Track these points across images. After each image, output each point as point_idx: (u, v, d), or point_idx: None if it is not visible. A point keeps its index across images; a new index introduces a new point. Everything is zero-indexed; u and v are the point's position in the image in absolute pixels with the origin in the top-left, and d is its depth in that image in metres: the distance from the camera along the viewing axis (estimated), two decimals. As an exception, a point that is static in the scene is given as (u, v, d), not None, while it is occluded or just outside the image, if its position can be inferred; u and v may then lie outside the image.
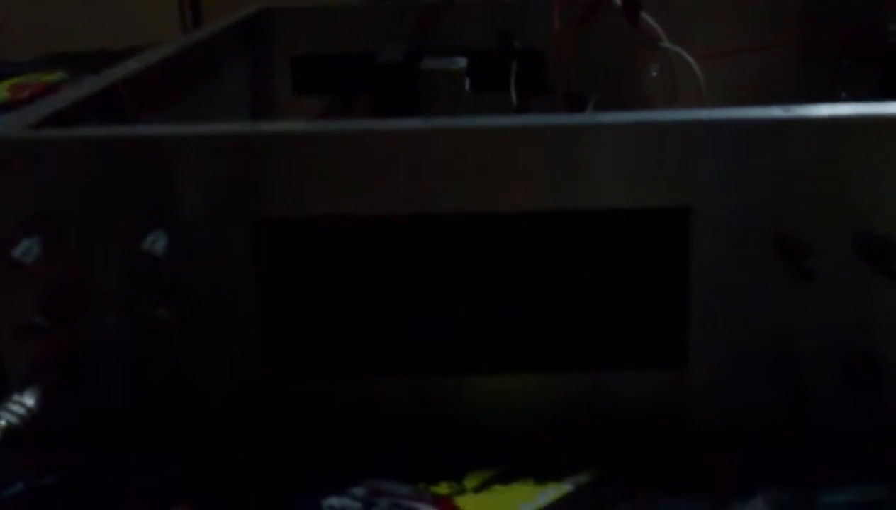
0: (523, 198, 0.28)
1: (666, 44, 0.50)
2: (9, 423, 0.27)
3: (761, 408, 0.30)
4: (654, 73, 0.51)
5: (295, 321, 0.30)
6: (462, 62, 0.50)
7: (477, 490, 0.29)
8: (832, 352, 0.29)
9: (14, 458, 0.30)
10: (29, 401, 0.28)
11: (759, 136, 0.28)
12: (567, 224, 0.29)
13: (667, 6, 0.52)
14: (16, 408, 0.28)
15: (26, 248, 0.27)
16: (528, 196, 0.28)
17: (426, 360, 0.30)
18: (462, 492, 0.29)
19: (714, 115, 0.28)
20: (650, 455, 0.30)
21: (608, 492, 0.29)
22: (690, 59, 0.49)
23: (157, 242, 0.27)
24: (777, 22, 0.54)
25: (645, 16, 0.50)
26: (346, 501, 0.29)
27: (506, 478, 0.29)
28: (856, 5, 0.53)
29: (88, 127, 0.31)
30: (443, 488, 0.29)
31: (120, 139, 0.28)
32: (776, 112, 0.28)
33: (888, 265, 0.28)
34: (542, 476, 0.29)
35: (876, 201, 0.28)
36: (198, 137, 0.28)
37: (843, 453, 0.30)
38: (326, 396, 0.30)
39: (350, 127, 0.28)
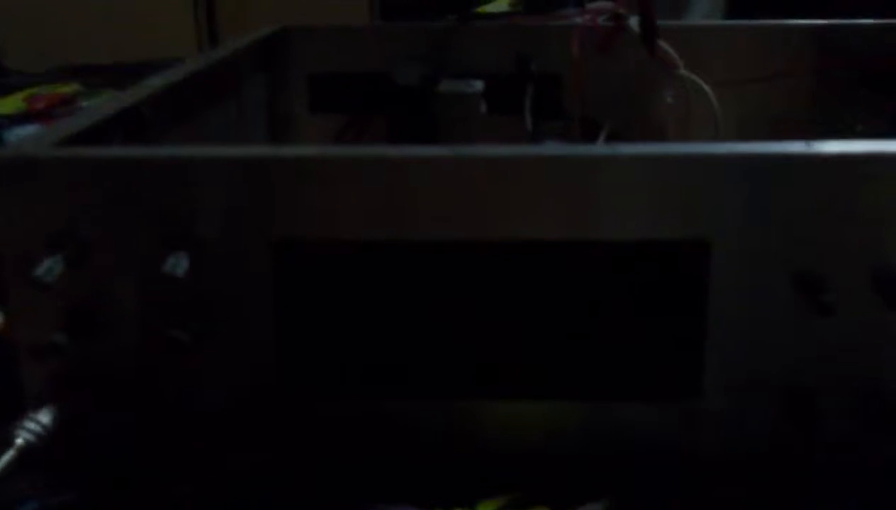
0: (543, 227, 0.28)
1: (682, 71, 0.51)
2: (26, 441, 0.27)
3: (776, 440, 0.30)
4: (670, 100, 0.51)
5: (312, 343, 0.30)
6: (478, 85, 0.50)
7: (491, 518, 0.29)
8: (848, 386, 0.29)
9: (29, 476, 0.30)
10: (45, 419, 0.28)
11: (779, 171, 0.28)
12: (586, 254, 0.29)
13: (683, 34, 0.52)
14: (33, 426, 0.28)
15: (48, 268, 0.27)
16: (547, 225, 0.28)
17: (442, 385, 0.30)
18: (476, 519, 0.29)
19: (734, 148, 0.28)
20: (664, 485, 0.30)
21: (622, 524, 0.29)
22: (706, 87, 0.50)
23: (178, 265, 0.27)
24: (793, 51, 0.54)
25: (662, 43, 0.51)
26: (360, 527, 0.29)
27: (519, 505, 0.29)
28: (871, 36, 0.54)
29: (112, 147, 0.31)
30: (456, 515, 0.29)
31: (144, 160, 0.28)
32: (797, 147, 0.28)
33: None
34: (556, 504, 0.29)
35: (894, 237, 0.28)
36: (221, 159, 0.28)
37: (857, 487, 0.30)
38: (341, 419, 0.30)
39: (372, 152, 0.29)
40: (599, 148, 0.28)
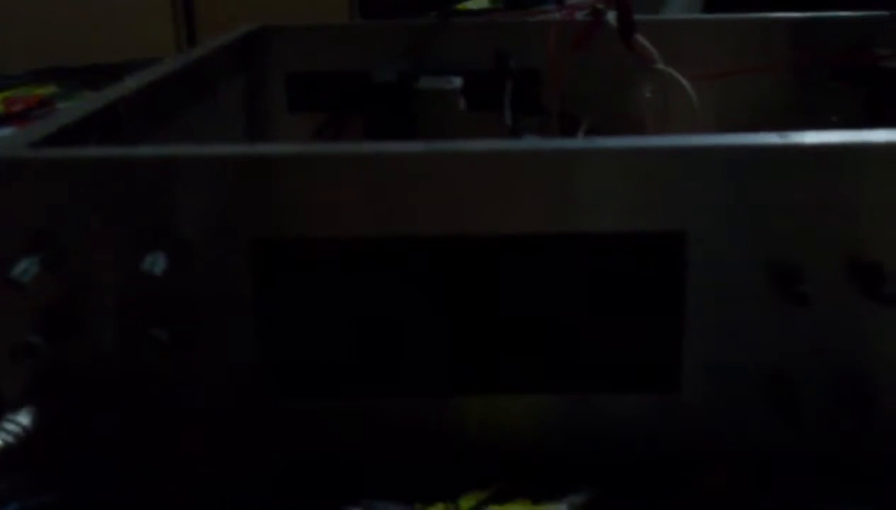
0: (521, 221, 0.29)
1: (660, 65, 0.51)
2: (5, 443, 0.27)
3: (755, 431, 0.30)
4: (648, 95, 0.52)
5: (292, 342, 0.30)
6: (457, 81, 0.51)
7: (473, 511, 0.29)
8: (825, 375, 0.30)
9: (9, 478, 0.30)
10: (24, 420, 0.28)
11: (754, 163, 0.28)
12: (564, 247, 0.29)
13: (660, 28, 0.53)
14: (11, 427, 0.28)
15: (24, 268, 0.27)
16: (525, 219, 0.29)
17: (421, 382, 0.30)
18: (458, 513, 0.29)
19: (709, 141, 0.29)
20: (646, 477, 0.30)
21: (603, 515, 0.29)
22: (684, 81, 0.50)
23: (156, 263, 0.27)
24: (768, 45, 0.55)
25: (639, 37, 0.51)
26: (343, 522, 0.29)
27: (501, 498, 0.30)
28: (846, 29, 0.54)
29: (88, 147, 0.31)
30: (438, 509, 0.29)
31: (120, 159, 0.28)
32: (772, 138, 0.29)
33: (879, 291, 0.28)
34: (538, 497, 0.30)
35: (869, 227, 0.29)
36: (198, 158, 0.28)
37: (836, 476, 0.30)
38: (322, 417, 0.30)
39: (350, 149, 0.29)
40: (574, 142, 0.28)
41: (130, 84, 0.38)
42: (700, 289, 0.29)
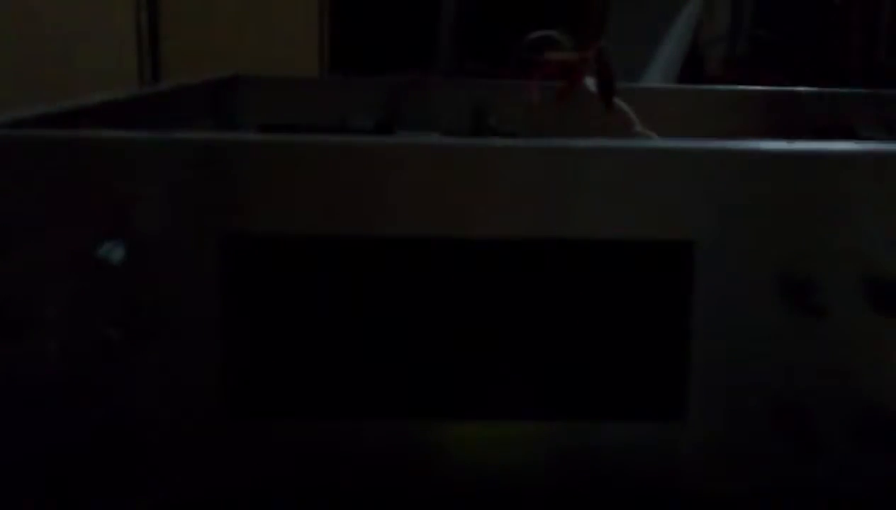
0: (514, 224, 0.26)
1: (638, 128, 0.50)
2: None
3: (765, 461, 0.28)
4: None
5: (261, 351, 0.27)
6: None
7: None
8: (839, 400, 0.27)
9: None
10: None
11: (760, 168, 0.27)
12: (562, 254, 0.27)
13: (638, 94, 0.52)
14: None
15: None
16: (519, 222, 0.26)
17: (402, 403, 0.27)
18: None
19: (719, 145, 0.27)
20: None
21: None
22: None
23: (113, 251, 0.25)
24: (746, 113, 0.55)
25: (618, 101, 0.50)
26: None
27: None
28: (822, 103, 0.54)
29: (45, 129, 0.28)
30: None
31: (78, 140, 0.26)
32: (779, 145, 0.27)
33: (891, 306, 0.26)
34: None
35: (880, 239, 0.27)
36: (164, 142, 0.26)
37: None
38: (294, 439, 0.27)
39: (332, 141, 0.26)
40: (578, 141, 0.27)
41: (96, 98, 0.36)
42: (708, 303, 0.27)
